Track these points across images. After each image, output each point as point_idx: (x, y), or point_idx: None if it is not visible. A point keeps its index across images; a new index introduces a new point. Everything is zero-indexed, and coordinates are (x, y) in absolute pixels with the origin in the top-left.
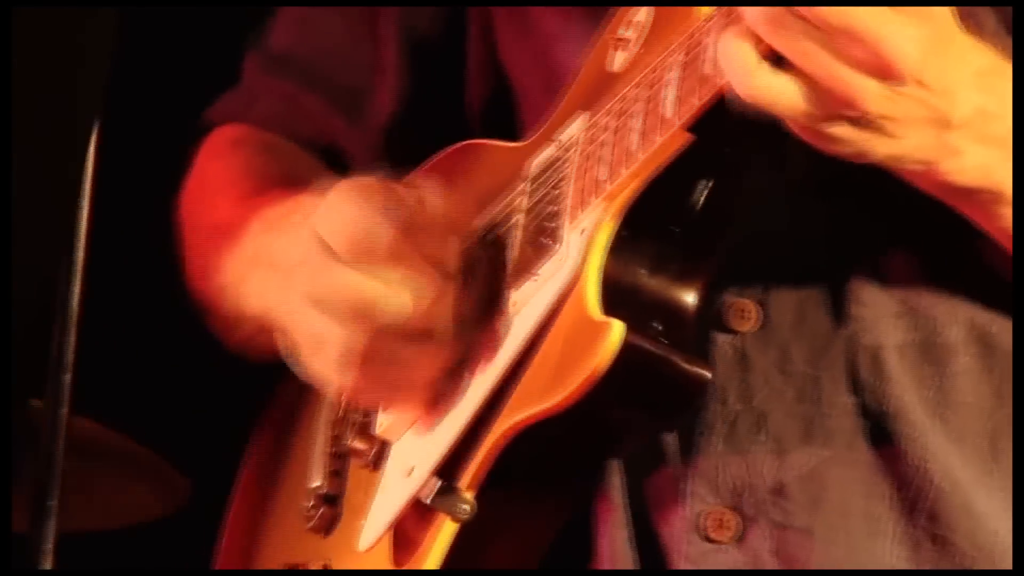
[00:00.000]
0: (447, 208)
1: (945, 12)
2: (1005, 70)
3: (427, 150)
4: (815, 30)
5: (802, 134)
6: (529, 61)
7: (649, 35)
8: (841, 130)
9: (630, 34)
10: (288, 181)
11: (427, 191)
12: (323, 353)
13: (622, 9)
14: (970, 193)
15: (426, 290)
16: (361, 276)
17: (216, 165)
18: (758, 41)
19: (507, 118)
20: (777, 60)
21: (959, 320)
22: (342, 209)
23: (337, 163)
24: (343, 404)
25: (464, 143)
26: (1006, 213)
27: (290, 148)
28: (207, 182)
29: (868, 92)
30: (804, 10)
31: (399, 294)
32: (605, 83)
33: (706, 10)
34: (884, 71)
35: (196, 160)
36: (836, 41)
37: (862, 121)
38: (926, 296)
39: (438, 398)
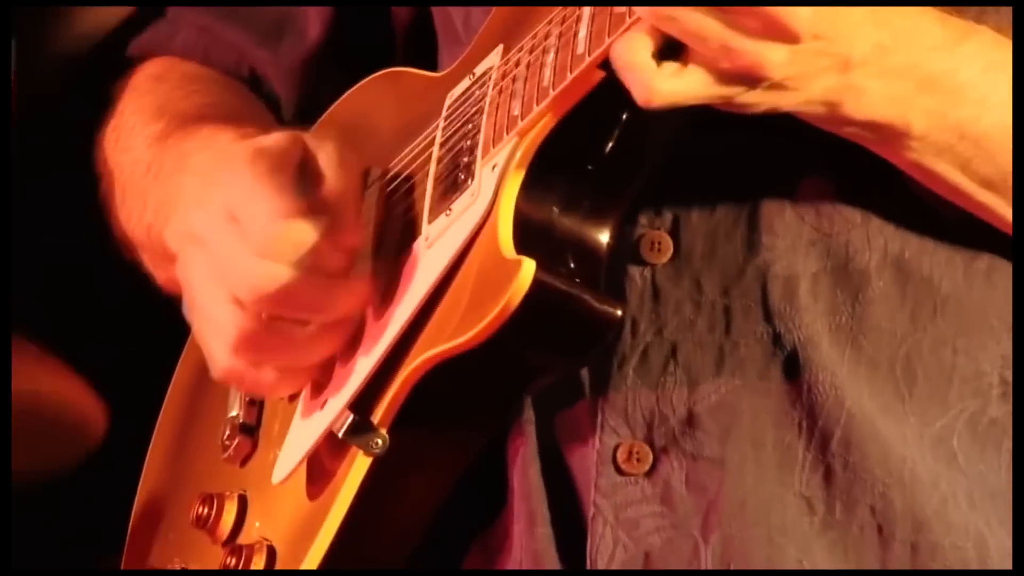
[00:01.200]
0: (352, 182)
1: None
2: (894, 4)
3: (352, 78)
4: (705, 10)
5: (711, 104)
6: None
7: None
8: (750, 96)
9: None
10: (207, 111)
11: (333, 159)
12: (216, 331)
13: None
14: (877, 128)
15: (328, 273)
16: (259, 256)
17: (134, 103)
18: (652, 37)
19: (431, 53)
20: (673, 49)
21: (873, 246)
22: (250, 182)
23: (259, 91)
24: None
25: (387, 71)
26: (915, 146)
27: (211, 76)
28: (124, 121)
29: (769, 60)
30: None
31: (297, 275)
32: (523, 18)
33: None
34: (780, 35)
35: (117, 98)
36: (728, 17)
37: (769, 86)
38: (839, 222)
39: (354, 332)
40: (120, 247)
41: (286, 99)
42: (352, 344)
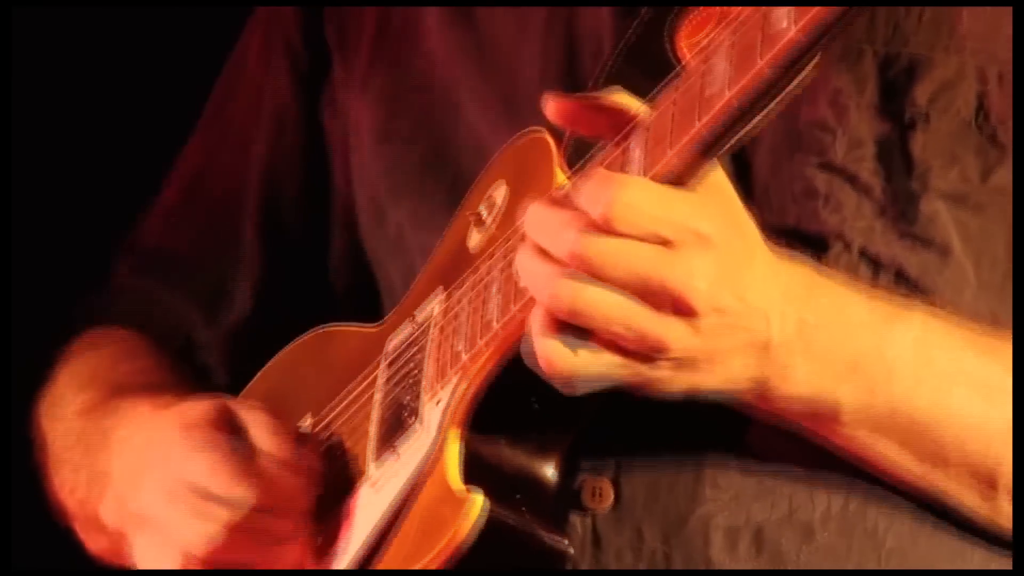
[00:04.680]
0: (284, 451)
1: (740, 235)
2: (819, 285)
3: (288, 340)
4: (602, 286)
5: (633, 391)
6: (388, 250)
7: (504, 214)
8: (662, 373)
9: (485, 213)
10: (129, 379)
11: (266, 430)
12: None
13: (481, 186)
14: (807, 404)
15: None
16: (204, 523)
17: (67, 372)
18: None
19: (372, 307)
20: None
21: (816, 501)
22: (184, 456)
23: (192, 358)
24: None
25: (318, 329)
26: (847, 421)
27: (143, 347)
28: (58, 389)
29: (670, 334)
30: (585, 266)
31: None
32: (462, 260)
33: (561, 182)
34: (678, 309)
35: (55, 367)
36: (626, 293)
37: (677, 361)
38: (783, 476)
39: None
40: (54, 512)
41: (219, 365)
42: None
